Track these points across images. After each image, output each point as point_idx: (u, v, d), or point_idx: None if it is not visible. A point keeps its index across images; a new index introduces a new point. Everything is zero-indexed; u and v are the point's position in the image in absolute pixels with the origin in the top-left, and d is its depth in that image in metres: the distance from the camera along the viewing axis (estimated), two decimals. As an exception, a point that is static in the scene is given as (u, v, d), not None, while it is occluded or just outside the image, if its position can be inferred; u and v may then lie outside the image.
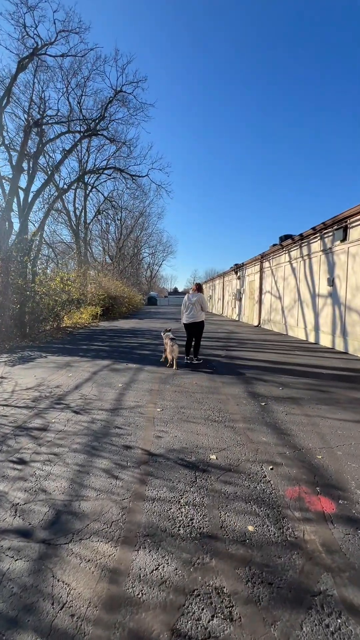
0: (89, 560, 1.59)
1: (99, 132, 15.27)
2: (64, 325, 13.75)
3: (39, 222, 17.22)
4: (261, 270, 14.18)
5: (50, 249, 22.53)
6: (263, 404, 3.93)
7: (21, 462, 2.55)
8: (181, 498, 2.08)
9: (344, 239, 7.54)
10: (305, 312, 9.71)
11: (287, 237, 13.09)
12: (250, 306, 16.12)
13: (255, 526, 1.83)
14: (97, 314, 17.08)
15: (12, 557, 1.61)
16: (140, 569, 1.54)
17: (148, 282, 64.27)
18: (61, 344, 9.02)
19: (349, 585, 1.46)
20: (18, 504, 2.03)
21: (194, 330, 6.22)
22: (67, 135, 16.02)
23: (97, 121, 14.83)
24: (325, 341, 8.47)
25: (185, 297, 6.37)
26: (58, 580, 1.47)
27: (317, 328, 8.95)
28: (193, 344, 6.29)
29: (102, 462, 2.55)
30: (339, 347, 7.75)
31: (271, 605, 1.36)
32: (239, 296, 18.66)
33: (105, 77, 28.48)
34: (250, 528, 1.82)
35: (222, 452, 2.71)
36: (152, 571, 1.53)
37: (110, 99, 14.39)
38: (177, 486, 2.21)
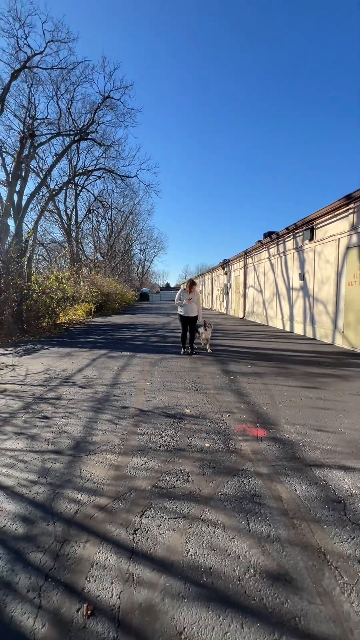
0: (101, 462, 2.50)
1: (88, 137, 15.92)
2: (60, 321, 14.52)
3: (31, 222, 17.87)
4: (245, 266, 15.15)
5: (43, 248, 23.12)
6: (232, 377, 4.89)
7: (45, 418, 3.44)
8: (162, 433, 3.01)
9: (311, 239, 8.51)
10: (282, 304, 10.72)
11: (270, 233, 14.01)
12: (236, 300, 17.10)
13: (210, 444, 2.77)
14: (91, 310, 17.86)
15: (52, 461, 2.52)
16: (134, 464, 2.46)
17: (140, 279, 64.83)
18: (60, 338, 9.84)
19: (261, 466, 2.41)
20: (49, 439, 2.93)
21: (192, 323, 6.64)
22: (57, 137, 16.65)
23: (87, 125, 15.47)
24: (298, 329, 9.49)
25: (180, 292, 6.74)
26: (83, 470, 2.39)
27: (291, 318, 9.97)
28: (188, 335, 6.70)
29: (105, 416, 3.46)
30: (309, 334, 8.77)
31: (212, 475, 2.30)
32: (226, 290, 19.63)
33: (94, 84, 28.87)
34: (207, 444, 2.76)
35: (194, 408, 3.65)
36: (141, 465, 2.45)
37: (99, 104, 15.07)
38: (159, 427, 3.14)
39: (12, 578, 1.49)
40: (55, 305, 13.40)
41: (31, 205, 17.14)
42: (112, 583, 1.45)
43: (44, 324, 12.94)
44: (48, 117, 16.52)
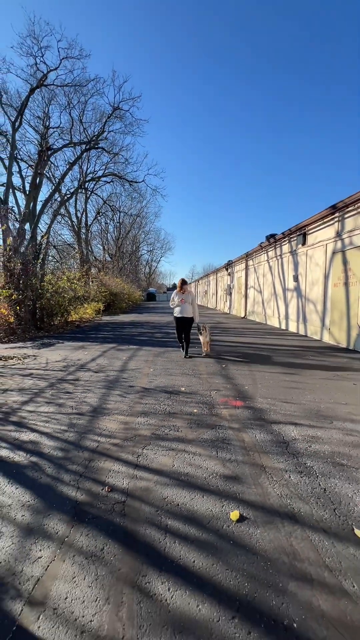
0: (114, 420, 3.32)
1: (99, 145, 16.84)
2: (71, 319, 15.45)
3: (43, 225, 18.88)
4: (246, 268, 15.87)
5: (54, 249, 24.15)
6: (224, 365, 5.67)
7: (68, 393, 4.27)
8: (161, 403, 3.81)
9: (304, 243, 9.22)
10: (279, 304, 11.43)
11: (272, 235, 14.69)
12: (239, 300, 17.82)
13: (198, 410, 3.56)
14: (100, 309, 18.78)
15: (77, 419, 3.34)
16: (138, 422, 3.27)
17: (147, 279, 65.85)
18: (72, 334, 10.74)
19: (234, 424, 3.19)
20: (72, 406, 3.75)
21: (187, 325, 6.41)
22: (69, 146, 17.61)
23: (97, 135, 16.40)
24: (292, 327, 10.20)
25: (175, 294, 6.42)
26: (100, 425, 3.20)
27: (287, 317, 10.68)
28: (184, 336, 6.45)
29: (116, 392, 4.28)
30: (301, 331, 9.48)
31: (196, 428, 3.09)
32: (229, 291, 20.35)
33: (104, 96, 30.12)
34: (195, 410, 3.55)
35: (188, 387, 4.44)
36: (144, 422, 3.26)
37: (109, 115, 15.95)
38: (159, 399, 3.95)
39: (60, 475, 2.31)
40: (67, 304, 14.32)
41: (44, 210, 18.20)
42: (123, 478, 2.26)
43: (57, 321, 13.87)
44: (61, 125, 17.56)
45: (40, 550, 1.64)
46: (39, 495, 2.09)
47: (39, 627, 1.26)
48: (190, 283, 52.42)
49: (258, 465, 2.41)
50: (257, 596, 1.37)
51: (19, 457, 2.59)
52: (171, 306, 6.57)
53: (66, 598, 1.38)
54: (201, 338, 6.71)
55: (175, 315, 6.47)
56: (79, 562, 1.57)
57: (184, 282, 6.40)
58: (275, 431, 2.99)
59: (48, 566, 1.54)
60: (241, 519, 1.84)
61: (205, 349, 6.65)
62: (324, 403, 3.74)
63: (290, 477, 2.25)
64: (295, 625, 1.25)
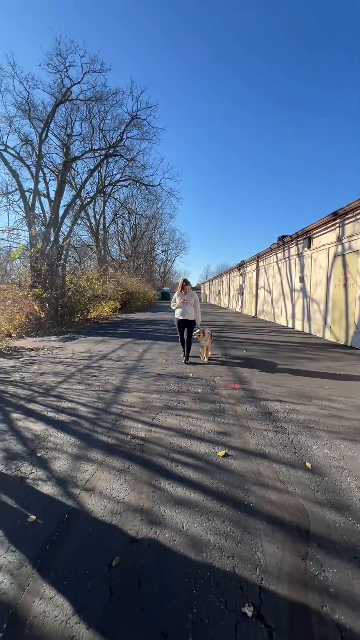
0: (133, 395, 4.10)
1: (118, 152, 17.80)
2: (90, 316, 16.46)
3: (64, 228, 19.99)
4: (257, 269, 16.42)
5: (74, 250, 25.34)
6: (228, 358, 6.36)
7: (94, 376, 5.10)
8: (171, 385, 4.57)
9: (309, 247, 9.77)
10: (286, 304, 11.98)
11: (283, 236, 15.19)
12: (250, 299, 18.38)
13: (202, 390, 4.30)
14: (117, 307, 19.75)
15: (103, 394, 4.15)
16: (152, 397, 4.04)
17: (162, 278, 66.85)
18: (92, 330, 11.66)
19: (230, 400, 3.90)
20: (99, 385, 4.57)
21: (188, 327, 6.03)
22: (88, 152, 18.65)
23: (115, 143, 17.36)
24: (298, 326, 10.75)
25: (176, 295, 6.12)
26: (122, 399, 3.99)
27: (293, 316, 11.23)
28: (186, 338, 6.03)
29: (133, 377, 5.06)
30: (306, 330, 10.03)
31: (199, 402, 3.83)
32: (241, 291, 20.91)
33: (123, 106, 31.26)
34: (200, 390, 4.29)
35: (195, 373, 5.18)
36: (157, 397, 4.02)
37: (127, 123, 16.87)
38: (169, 382, 4.70)
39: (94, 429, 3.11)
40: (86, 302, 15.32)
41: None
42: (141, 431, 3.03)
43: (77, 318, 14.89)
44: (82, 133, 18.61)
45: (86, 467, 2.43)
46: (81, 439, 2.89)
47: (91, 500, 2.04)
48: (204, 283, 53.04)
49: (244, 427, 3.12)
50: (229, 491, 2.11)
51: (63, 417, 3.41)
52: (172, 307, 6.23)
53: (107, 488, 2.16)
54: (201, 341, 6.15)
55: (176, 316, 6.15)
56: (113, 473, 2.34)
57: (185, 282, 6.03)
58: (263, 405, 3.70)
59: (93, 474, 2.32)
60: (226, 455, 2.57)
61: (204, 355, 6.18)
62: (309, 387, 4.40)
63: (267, 434, 2.96)
64: (251, 504, 1.98)
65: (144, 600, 1.37)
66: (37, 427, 3.16)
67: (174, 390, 4.32)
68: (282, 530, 1.77)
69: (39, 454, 2.62)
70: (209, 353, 6.28)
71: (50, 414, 3.49)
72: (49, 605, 1.35)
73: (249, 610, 1.32)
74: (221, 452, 2.61)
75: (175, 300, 6.12)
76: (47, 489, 2.16)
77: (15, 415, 3.45)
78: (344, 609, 1.32)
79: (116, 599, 1.38)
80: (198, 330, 6.01)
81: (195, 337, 6.03)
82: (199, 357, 6.25)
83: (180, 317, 6.03)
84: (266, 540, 1.69)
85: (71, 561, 1.57)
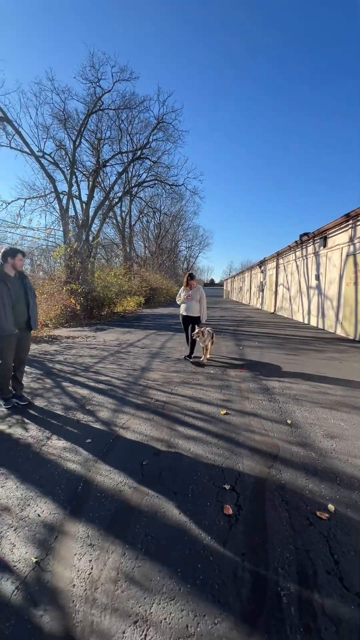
0: (156, 373, 4.96)
1: (144, 155, 18.74)
2: (117, 310, 17.61)
3: (94, 227, 21.26)
4: (277, 266, 16.81)
5: (101, 247, 26.68)
6: (241, 348, 7.09)
7: (123, 358, 6.02)
8: (189, 367, 5.39)
9: (324, 246, 10.18)
10: (303, 300, 12.41)
11: (304, 234, 15.50)
12: (270, 296, 18.77)
13: (215, 371, 5.09)
14: (141, 302, 20.82)
15: (132, 372, 5.04)
16: (172, 375, 4.88)
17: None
18: (119, 322, 12.71)
19: (237, 380, 4.67)
20: (128, 366, 5.47)
21: (192, 324, 5.86)
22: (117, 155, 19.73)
23: (143, 146, 18.30)
24: (313, 322, 11.20)
25: (182, 290, 5.87)
26: (148, 376, 4.87)
27: (309, 312, 11.67)
28: (191, 336, 5.74)
29: (157, 360, 5.93)
30: (320, 325, 10.48)
31: (211, 380, 4.63)
32: (261, 287, 21.29)
33: (150, 111, 32.35)
34: (212, 371, 5.08)
35: (212, 359, 5.97)
36: (176, 375, 4.86)
37: (153, 127, 17.72)
38: (188, 365, 5.52)
39: (126, 395, 4.00)
40: (113, 296, 16.45)
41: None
42: (162, 397, 3.88)
43: (105, 311, 16.06)
44: (111, 137, 19.70)
45: (122, 416, 3.31)
46: (117, 400, 3.79)
47: (127, 433, 2.91)
48: (226, 280, 53.19)
49: (245, 397, 3.89)
50: (225, 433, 2.91)
51: (102, 386, 4.33)
52: (178, 302, 6.00)
53: (138, 428, 3.02)
54: (200, 342, 5.63)
55: (180, 312, 5.97)
56: (141, 420, 3.21)
57: (191, 277, 5.76)
58: (264, 383, 4.44)
59: (127, 420, 3.20)
60: (226, 414, 3.37)
61: (204, 357, 5.72)
62: (308, 372, 5.07)
63: (262, 402, 3.71)
64: (240, 441, 2.77)
65: (162, 480, 2.22)
66: (83, 391, 4.10)
67: (191, 371, 5.14)
68: (258, 454, 2.55)
69: (87, 407, 3.54)
70: (209, 354, 5.86)
71: (92, 384, 4.42)
72: (105, 478, 2.23)
73: (227, 486, 2.13)
74: (223, 412, 3.40)
75: (180, 295, 5.85)
76: (96, 425, 3.07)
77: (65, 384, 4.42)
78: (290, 489, 2.10)
79: (145, 479, 2.23)
80: (197, 330, 5.51)
81: (193, 337, 5.59)
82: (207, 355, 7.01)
83: (185, 313, 5.82)
84: (246, 458, 2.49)
85: (117, 460, 2.44)
